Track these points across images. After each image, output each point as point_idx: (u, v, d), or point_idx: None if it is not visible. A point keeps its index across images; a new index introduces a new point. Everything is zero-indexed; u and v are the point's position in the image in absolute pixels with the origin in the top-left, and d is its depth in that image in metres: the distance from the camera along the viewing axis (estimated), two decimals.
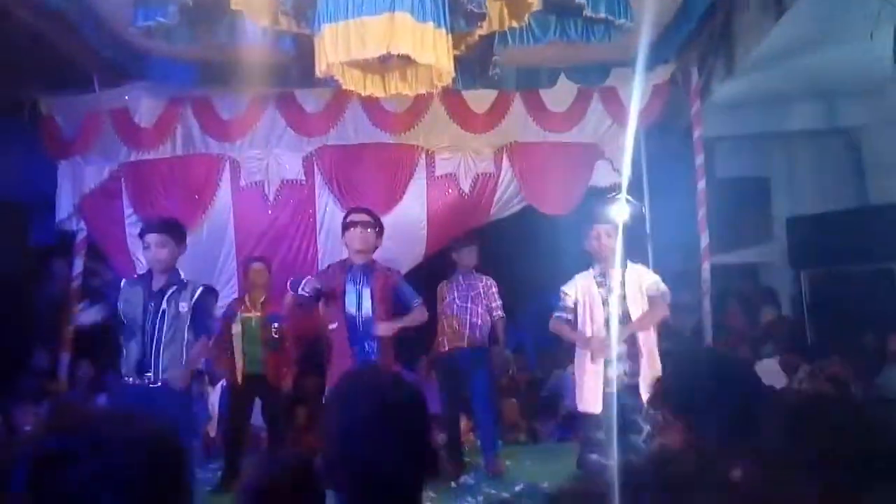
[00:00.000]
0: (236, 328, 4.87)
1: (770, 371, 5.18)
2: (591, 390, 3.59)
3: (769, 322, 7.18)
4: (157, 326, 3.57)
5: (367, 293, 3.92)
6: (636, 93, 5.65)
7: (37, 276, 6.33)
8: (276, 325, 4.88)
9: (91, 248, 6.24)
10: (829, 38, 5.48)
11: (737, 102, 6.67)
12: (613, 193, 6.35)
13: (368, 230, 4.01)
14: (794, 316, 7.44)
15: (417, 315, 4.10)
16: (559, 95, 6.07)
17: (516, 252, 6.68)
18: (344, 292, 3.94)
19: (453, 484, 4.65)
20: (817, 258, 7.16)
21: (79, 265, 6.15)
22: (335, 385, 1.37)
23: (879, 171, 7.20)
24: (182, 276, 3.72)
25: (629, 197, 6.24)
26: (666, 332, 7.09)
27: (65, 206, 6.16)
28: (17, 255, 6.00)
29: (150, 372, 3.57)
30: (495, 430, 5.04)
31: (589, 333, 3.63)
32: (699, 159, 6.09)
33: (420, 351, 6.13)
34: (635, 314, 3.59)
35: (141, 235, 3.82)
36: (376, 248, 4.09)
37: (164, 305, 3.58)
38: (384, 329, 3.94)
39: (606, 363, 3.58)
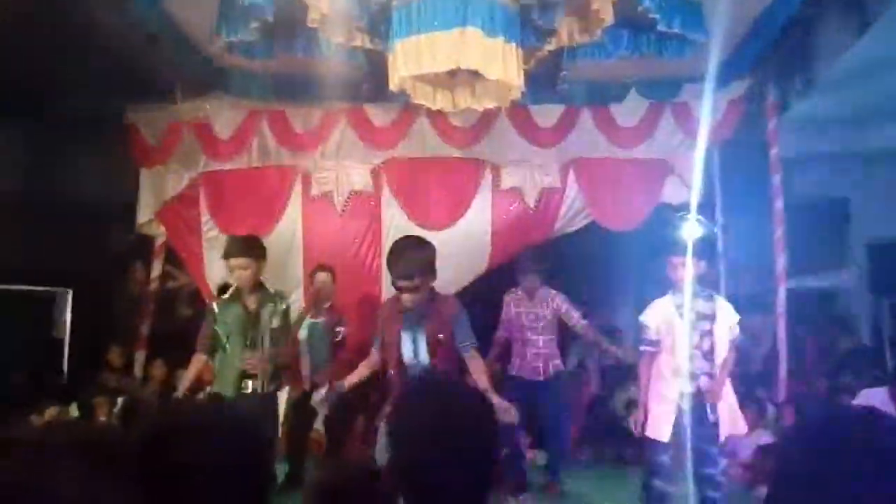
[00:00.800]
0: (302, 333, 4.97)
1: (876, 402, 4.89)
2: (661, 417, 3.49)
3: (846, 350, 6.85)
4: (257, 343, 3.75)
5: (422, 340, 3.51)
6: (707, 108, 5.53)
7: (117, 279, 6.64)
8: (340, 328, 4.97)
9: (169, 252, 6.52)
10: None
11: (816, 120, 6.44)
12: (684, 213, 6.25)
13: (418, 289, 3.44)
14: (873, 345, 7.08)
15: (479, 368, 3.55)
16: (629, 110, 6.00)
17: (578, 268, 6.60)
18: (399, 341, 3.54)
19: (511, 500, 4.61)
20: None
21: (157, 268, 6.43)
22: (404, 392, 1.39)
23: None
24: (271, 290, 3.83)
25: (700, 217, 6.15)
26: (737, 358, 6.92)
27: (145, 212, 6.46)
28: (100, 258, 6.30)
29: (250, 383, 3.72)
30: (563, 456, 4.96)
31: (671, 364, 3.52)
32: (776, 178, 5.90)
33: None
34: (722, 349, 3.48)
35: (224, 258, 3.94)
36: (430, 288, 3.55)
37: (263, 325, 3.76)
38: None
39: (682, 395, 3.48)
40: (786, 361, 5.78)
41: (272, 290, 3.87)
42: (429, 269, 3.52)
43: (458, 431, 1.22)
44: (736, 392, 5.88)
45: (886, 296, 7.07)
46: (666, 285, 3.71)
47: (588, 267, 6.67)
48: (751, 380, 6.55)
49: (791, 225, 6.16)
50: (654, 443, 3.47)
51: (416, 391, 1.37)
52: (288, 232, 6.37)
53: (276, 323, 3.78)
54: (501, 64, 3.90)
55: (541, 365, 4.80)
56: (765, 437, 5.27)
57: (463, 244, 6.04)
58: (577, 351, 7.53)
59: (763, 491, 4.45)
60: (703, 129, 5.61)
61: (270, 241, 6.21)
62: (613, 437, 5.97)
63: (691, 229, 5.96)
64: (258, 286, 3.83)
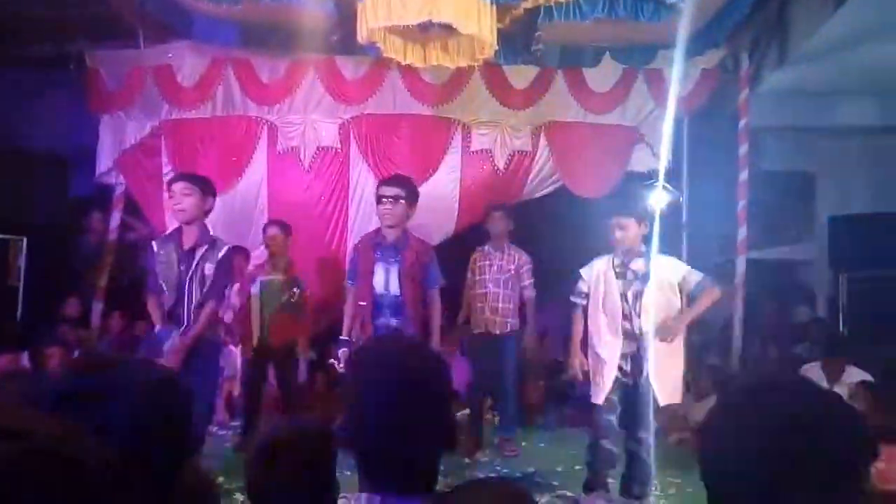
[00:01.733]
0: (255, 290, 4.90)
1: (812, 376, 5.01)
2: (601, 378, 3.52)
3: (803, 323, 7.01)
4: (188, 286, 3.57)
5: (394, 271, 3.78)
6: (678, 75, 5.49)
7: (75, 228, 6.46)
8: (295, 289, 4.91)
9: (129, 202, 6.35)
10: (887, 33, 5.24)
11: (788, 93, 6.45)
12: (651, 180, 6.27)
13: (400, 202, 3.78)
14: (828, 318, 7.24)
15: (437, 310, 3.94)
16: (602, 75, 5.95)
17: (545, 234, 6.60)
18: (373, 271, 3.80)
19: (467, 460, 4.66)
20: (858, 260, 6.92)
21: (116, 218, 6.27)
22: (358, 349, 1.36)
23: None
24: (211, 232, 3.71)
25: (667, 185, 6.17)
26: (696, 326, 7.04)
27: (105, 160, 6.26)
28: (57, 207, 6.13)
29: (182, 328, 3.58)
30: (516, 413, 5.02)
31: (600, 322, 3.54)
32: (743, 149, 5.93)
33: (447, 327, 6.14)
34: (655, 308, 3.48)
35: (168, 186, 3.80)
36: (408, 217, 3.90)
37: (194, 265, 3.57)
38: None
39: (623, 357, 3.50)
40: (741, 331, 5.88)
41: (212, 234, 3.70)
42: (410, 192, 3.85)
43: (410, 388, 1.20)
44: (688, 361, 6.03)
45: (845, 270, 7.20)
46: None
47: (553, 233, 6.67)
48: (707, 348, 6.68)
49: (757, 197, 6.22)
50: (599, 404, 3.52)
51: (372, 349, 1.34)
52: (254, 186, 6.25)
53: (209, 270, 3.56)
54: (475, 20, 3.81)
55: (499, 318, 4.82)
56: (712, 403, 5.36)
57: (431, 204, 5.94)
58: (543, 316, 7.61)
59: None
60: (674, 96, 5.60)
61: (235, 196, 6.19)
62: (574, 401, 6.06)
63: (658, 196, 6.03)
64: (198, 225, 3.62)
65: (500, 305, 4.84)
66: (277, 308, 4.90)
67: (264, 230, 5.28)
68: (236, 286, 5.59)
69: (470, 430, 4.96)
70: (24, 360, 4.72)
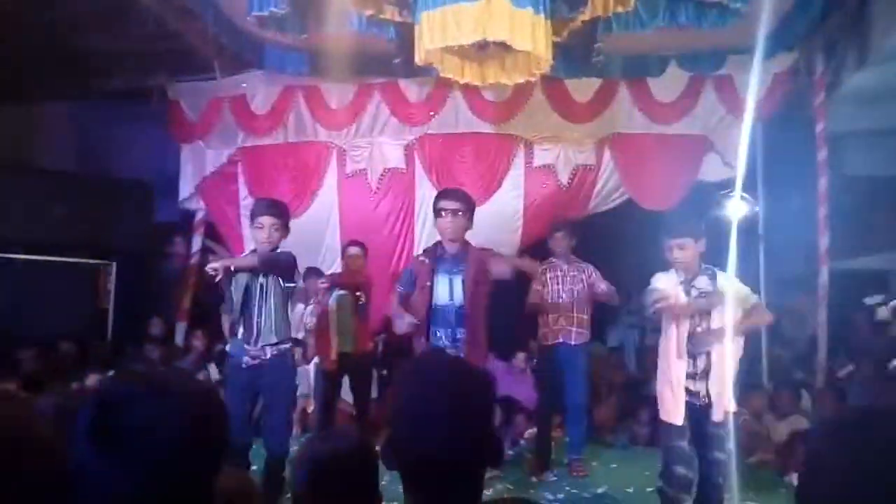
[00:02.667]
0: (332, 305, 5.02)
1: None
2: (671, 399, 3.39)
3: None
4: (259, 303, 3.69)
5: (458, 281, 3.70)
6: (753, 82, 5.31)
7: (160, 253, 6.84)
8: (359, 293, 5.01)
9: (209, 226, 6.67)
10: None
11: (870, 95, 6.11)
12: (726, 190, 6.06)
13: (459, 215, 3.71)
14: None
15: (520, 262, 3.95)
16: (668, 84, 5.82)
17: (618, 247, 6.48)
18: (434, 283, 3.74)
19: (535, 479, 4.60)
20: None
21: (197, 242, 6.60)
22: (403, 366, 1.38)
23: None
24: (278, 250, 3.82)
25: (744, 194, 5.94)
26: (780, 340, 6.73)
27: (187, 187, 6.64)
28: (143, 232, 6.50)
29: (256, 345, 3.70)
30: (584, 431, 4.91)
31: (669, 340, 3.42)
32: (821, 154, 5.66)
33: (516, 343, 6.11)
34: (728, 327, 3.34)
35: (252, 216, 3.95)
36: (467, 229, 3.81)
37: (261, 280, 3.68)
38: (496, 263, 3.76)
39: (689, 376, 3.37)
40: (825, 346, 5.58)
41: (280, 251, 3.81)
42: (468, 202, 3.81)
43: (451, 405, 1.21)
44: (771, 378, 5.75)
45: None
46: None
47: (626, 246, 6.53)
48: (790, 363, 6.37)
49: (842, 204, 5.91)
50: (669, 426, 3.38)
51: (416, 365, 1.35)
52: (325, 209, 6.45)
53: (279, 291, 3.70)
54: (530, 35, 3.81)
55: (574, 329, 4.73)
56: (799, 423, 5.10)
57: (494, 222, 5.97)
58: (616, 332, 7.45)
59: (794, 478, 4.33)
60: (750, 104, 5.42)
61: (308, 218, 6.40)
62: (648, 419, 5.88)
63: (736, 207, 5.82)
64: (276, 249, 3.76)
65: (575, 315, 4.74)
66: (351, 318, 5.02)
67: (344, 249, 5.42)
68: (310, 306, 5.76)
69: (538, 449, 4.88)
70: None
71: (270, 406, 3.79)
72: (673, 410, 3.37)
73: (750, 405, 5.26)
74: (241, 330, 3.76)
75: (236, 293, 3.72)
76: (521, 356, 6.11)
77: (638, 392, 6.35)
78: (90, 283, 6.33)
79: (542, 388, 4.98)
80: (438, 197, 3.89)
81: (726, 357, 3.32)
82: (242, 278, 3.72)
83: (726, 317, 3.34)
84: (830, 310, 5.73)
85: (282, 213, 3.84)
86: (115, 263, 6.33)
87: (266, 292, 3.73)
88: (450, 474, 1.20)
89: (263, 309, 3.72)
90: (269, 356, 3.71)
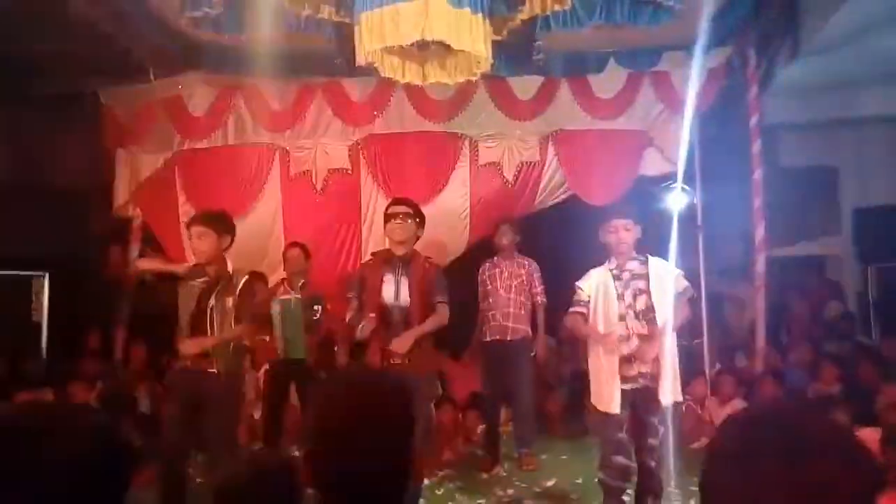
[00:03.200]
0: (274, 309, 4.93)
1: None
2: (606, 389, 3.44)
3: (833, 318, 6.83)
4: (210, 320, 3.63)
5: (405, 283, 3.84)
6: (690, 77, 5.43)
7: (96, 263, 6.59)
8: (317, 307, 4.94)
9: (146, 234, 6.46)
10: None
11: (803, 87, 6.33)
12: (667, 183, 6.19)
13: (409, 221, 3.90)
14: (859, 312, 7.05)
15: (437, 318, 3.87)
16: (608, 81, 5.90)
17: (566, 240, 6.54)
18: (382, 283, 3.88)
19: (485, 475, 4.62)
20: (886, 252, 6.75)
21: (134, 251, 6.38)
22: (316, 384, 1.36)
23: None
24: (230, 268, 3.74)
25: (685, 186, 6.08)
26: (720, 327, 6.91)
27: (122, 194, 6.40)
28: (77, 242, 6.25)
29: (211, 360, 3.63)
30: (532, 424, 4.96)
31: (602, 329, 3.47)
32: (755, 147, 5.81)
33: (465, 340, 6.11)
34: (661, 309, 3.41)
35: (186, 227, 3.89)
36: (417, 238, 3.99)
37: (212, 301, 3.62)
38: (398, 345, 3.76)
39: (622, 362, 3.42)
40: (764, 332, 5.76)
41: (230, 269, 3.74)
42: (418, 211, 4.00)
43: (374, 420, 1.19)
44: (712, 362, 5.90)
45: (873, 262, 7.02)
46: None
47: (573, 239, 6.60)
48: (732, 350, 6.55)
49: (779, 193, 6.10)
50: (605, 417, 3.44)
51: (329, 383, 1.33)
52: (269, 212, 6.33)
53: (229, 304, 3.63)
54: (468, 35, 3.81)
55: (511, 325, 4.78)
56: (739, 406, 5.24)
57: (442, 221, 5.97)
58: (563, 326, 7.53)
59: None
60: (691, 97, 5.53)
61: (251, 222, 6.26)
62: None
63: (676, 199, 5.95)
64: (218, 261, 3.71)
65: (512, 311, 4.81)
66: (300, 327, 4.92)
67: (285, 252, 5.33)
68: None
69: (486, 445, 4.91)
70: (48, 395, 4.79)
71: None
72: (607, 400, 3.43)
73: (692, 391, 5.39)
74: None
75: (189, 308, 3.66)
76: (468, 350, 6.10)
77: (587, 383, 6.44)
78: (22, 297, 6.06)
79: (488, 385, 5.01)
80: (391, 203, 4.08)
81: (659, 340, 3.38)
82: (195, 293, 3.65)
83: (657, 298, 3.41)
84: (769, 296, 5.90)
85: (213, 220, 3.79)
86: (47, 275, 6.07)
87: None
88: (365, 493, 1.18)
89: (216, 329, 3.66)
90: None
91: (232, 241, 3.83)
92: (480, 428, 5.30)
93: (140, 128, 6.30)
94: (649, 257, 3.53)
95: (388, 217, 4.00)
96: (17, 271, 5.99)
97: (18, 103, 6.26)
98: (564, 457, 4.96)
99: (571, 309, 3.63)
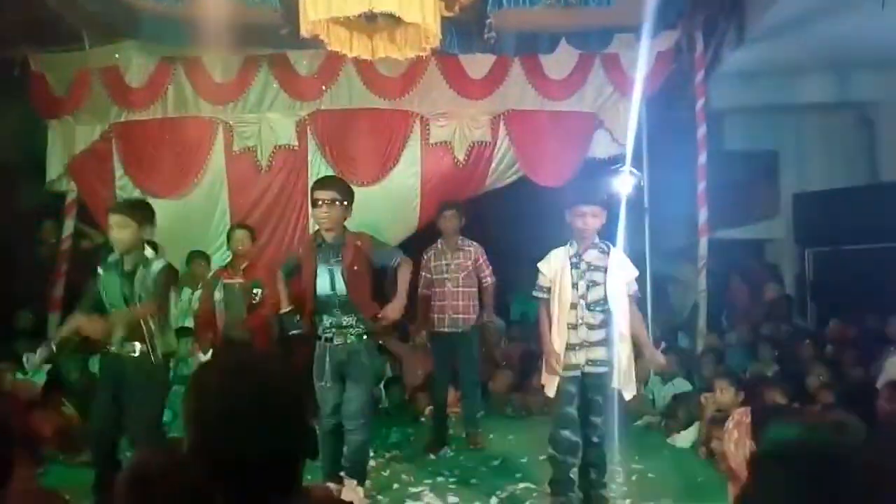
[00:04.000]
0: (218, 294, 4.81)
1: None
2: (551, 369, 3.47)
3: (771, 300, 7.04)
4: (134, 306, 3.53)
5: (337, 272, 3.67)
6: (639, 59, 5.46)
7: (28, 239, 6.29)
8: (256, 290, 4.82)
9: (81, 209, 6.19)
10: (843, 7, 5.23)
11: (747, 72, 6.45)
12: (616, 165, 6.23)
13: (336, 205, 3.64)
14: (796, 294, 7.29)
15: (404, 274, 3.77)
16: (559, 62, 5.89)
17: (518, 219, 6.56)
18: (315, 273, 3.71)
19: (432, 456, 4.61)
20: (824, 236, 6.98)
21: (69, 227, 6.12)
22: (201, 366, 1.31)
23: (892, 147, 6.98)
24: (148, 254, 3.62)
25: (633, 169, 6.14)
26: (665, 307, 7.05)
27: (55, 167, 6.12)
28: (8, 217, 5.93)
29: (132, 345, 3.53)
30: (478, 403, 4.98)
31: (557, 316, 3.48)
32: (701, 130, 5.92)
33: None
34: (614, 303, 3.43)
35: (106, 215, 3.73)
36: (346, 218, 3.77)
37: (136, 288, 3.53)
38: (390, 311, 3.68)
39: (570, 347, 3.45)
40: (706, 312, 5.89)
41: (149, 255, 3.63)
42: (345, 192, 3.74)
43: (256, 402, 1.15)
44: (657, 342, 6.02)
45: (811, 246, 7.25)
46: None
47: (526, 218, 6.61)
48: (675, 331, 6.70)
49: (722, 177, 6.21)
50: (557, 393, 3.46)
51: (215, 364, 1.28)
52: (213, 188, 6.14)
53: (149, 285, 3.52)
54: (419, 8, 3.72)
55: (460, 316, 4.75)
56: (682, 386, 5.37)
57: (392, 200, 5.93)
58: (517, 305, 7.56)
59: (677, 439, 4.53)
60: (639, 80, 5.56)
61: (194, 198, 6.08)
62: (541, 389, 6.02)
63: (624, 181, 6.00)
64: (136, 249, 3.58)
65: (461, 303, 4.76)
66: (243, 311, 4.81)
67: (229, 233, 5.16)
68: (197, 291, 5.49)
69: (433, 426, 4.90)
70: None
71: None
72: (551, 382, 3.46)
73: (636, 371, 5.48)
74: None
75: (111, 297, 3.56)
76: (419, 336, 6.07)
77: (533, 362, 6.50)
78: None
79: (435, 369, 4.99)
80: (315, 186, 3.82)
81: (611, 327, 3.41)
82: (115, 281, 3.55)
83: (610, 292, 3.43)
84: (710, 278, 6.04)
85: (132, 209, 3.65)
86: None
87: None
88: (259, 473, 1.14)
89: None
90: None
91: (152, 232, 3.72)
92: (429, 409, 5.29)
93: (74, 97, 6.01)
94: (611, 248, 3.52)
95: (313, 202, 3.77)
96: None
97: None
98: (511, 437, 4.99)
99: (535, 293, 3.63)
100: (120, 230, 3.51)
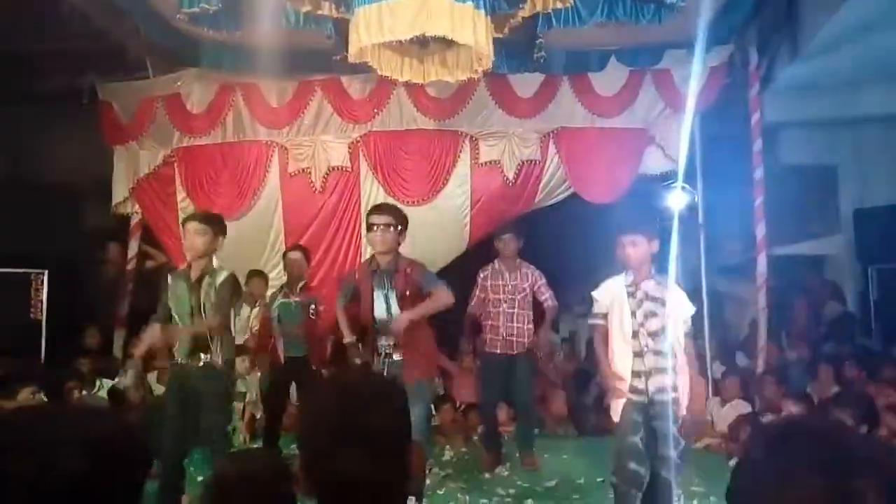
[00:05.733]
0: (274, 313, 4.92)
1: None
2: (617, 396, 3.42)
3: (833, 318, 6.81)
4: (200, 315, 3.67)
5: (393, 295, 3.84)
6: (692, 75, 5.42)
7: (94, 259, 6.56)
8: (313, 307, 4.92)
9: (145, 231, 6.44)
10: None
11: (803, 86, 6.30)
12: (668, 181, 6.16)
13: (390, 230, 3.80)
14: (859, 313, 7.04)
15: (437, 299, 3.79)
16: (609, 78, 5.87)
17: (573, 238, 6.53)
18: (373, 298, 3.89)
19: (487, 475, 4.59)
20: (886, 252, 6.73)
21: (133, 248, 6.36)
22: (310, 388, 1.34)
23: None
24: (215, 264, 3.75)
25: (685, 185, 6.06)
26: (721, 325, 6.90)
27: (120, 191, 6.38)
28: (75, 239, 6.21)
29: (201, 355, 3.68)
30: (532, 422, 4.95)
31: (619, 341, 3.44)
32: (756, 145, 5.81)
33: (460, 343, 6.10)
34: (672, 338, 3.37)
35: (182, 224, 3.90)
36: (399, 243, 3.91)
37: (202, 297, 3.68)
38: (395, 325, 3.75)
39: (636, 375, 3.39)
40: (766, 331, 5.73)
41: (215, 265, 3.76)
42: (400, 218, 3.89)
43: (368, 423, 1.16)
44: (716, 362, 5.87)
45: (873, 263, 7.00)
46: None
47: (580, 237, 6.58)
48: (734, 349, 6.53)
49: (779, 193, 6.08)
50: (622, 422, 3.40)
51: (326, 384, 1.31)
52: (268, 209, 6.31)
53: (213, 295, 3.66)
54: (471, 30, 3.77)
55: (515, 339, 4.74)
56: (743, 407, 5.23)
57: (442, 219, 5.97)
58: (568, 323, 7.51)
59: None
60: (692, 96, 5.52)
61: (251, 219, 6.25)
62: (598, 410, 5.95)
63: (677, 198, 5.92)
64: (205, 258, 3.72)
65: (516, 325, 4.74)
66: (302, 329, 4.91)
67: (285, 254, 5.28)
68: (256, 309, 5.62)
69: (487, 445, 4.88)
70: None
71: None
72: (615, 404, 3.41)
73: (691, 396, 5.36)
74: None
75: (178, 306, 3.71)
76: (469, 357, 6.10)
77: (588, 382, 6.43)
78: (21, 294, 6.02)
79: (485, 389, 4.97)
80: (370, 212, 4.01)
81: (669, 357, 3.35)
82: (183, 289, 3.70)
83: (670, 320, 3.38)
84: (770, 296, 5.89)
85: (210, 219, 3.83)
86: (46, 272, 6.03)
87: None
88: (363, 495, 1.15)
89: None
90: None
91: (222, 243, 3.87)
92: (481, 428, 5.28)
93: (139, 124, 6.27)
94: (670, 283, 3.46)
95: (368, 227, 3.95)
96: (16, 269, 5.95)
97: (16, 100, 6.24)
98: (565, 457, 4.94)
99: (591, 320, 3.62)
100: (196, 236, 3.67)
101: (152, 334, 3.87)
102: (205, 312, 3.65)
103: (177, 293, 3.74)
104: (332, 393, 1.23)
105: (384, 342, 3.82)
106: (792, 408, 4.22)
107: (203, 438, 3.65)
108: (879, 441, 1.02)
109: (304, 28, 4.92)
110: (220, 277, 3.69)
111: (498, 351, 4.76)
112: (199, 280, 3.69)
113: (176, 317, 3.74)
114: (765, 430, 0.98)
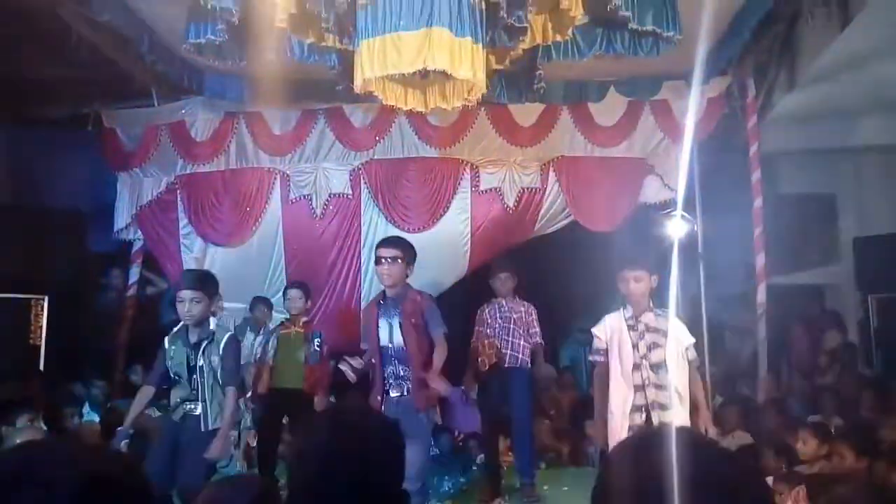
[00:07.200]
0: (272, 343, 4.92)
1: None
2: (617, 430, 3.42)
3: (833, 348, 6.79)
4: (199, 380, 3.67)
5: (396, 324, 3.89)
6: (689, 106, 5.48)
7: (95, 285, 6.58)
8: (318, 339, 4.91)
9: (147, 257, 6.46)
10: None
11: (801, 116, 6.37)
12: (667, 210, 6.19)
13: (397, 263, 3.88)
14: (860, 342, 7.02)
15: (441, 353, 3.87)
16: (608, 108, 5.95)
17: (573, 267, 6.54)
18: (378, 326, 3.94)
19: None
20: (886, 281, 6.74)
21: (135, 274, 6.38)
22: (308, 421, 1.36)
23: None
24: (212, 327, 3.75)
25: (685, 213, 6.08)
26: (722, 356, 6.87)
27: (123, 217, 6.43)
28: (77, 265, 6.24)
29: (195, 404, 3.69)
30: (532, 453, 4.91)
31: (617, 377, 3.46)
32: (755, 175, 5.85)
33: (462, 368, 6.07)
34: (673, 369, 3.39)
35: (177, 289, 3.88)
36: (407, 276, 3.97)
37: (200, 361, 3.67)
38: (441, 387, 3.80)
39: (635, 409, 3.39)
40: (766, 360, 5.72)
41: (213, 327, 3.76)
42: (408, 250, 3.96)
43: (360, 460, 1.17)
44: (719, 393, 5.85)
45: (873, 291, 7.01)
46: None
47: (581, 265, 6.59)
48: (735, 379, 6.51)
49: (778, 222, 6.11)
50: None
51: (320, 419, 1.32)
52: (270, 236, 6.33)
53: (215, 362, 3.66)
54: (470, 64, 3.83)
55: (509, 353, 4.75)
56: (744, 439, 5.19)
57: (442, 246, 5.99)
58: (568, 351, 7.49)
59: None
60: (689, 126, 5.57)
61: (253, 245, 6.28)
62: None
63: (676, 226, 5.94)
64: (203, 321, 3.73)
65: (511, 340, 4.76)
66: (302, 360, 4.89)
67: (285, 292, 5.27)
68: (260, 336, 5.60)
69: (486, 476, 4.85)
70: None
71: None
72: (615, 439, 3.40)
73: (694, 421, 5.33)
74: None
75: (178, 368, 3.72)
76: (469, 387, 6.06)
77: (588, 411, 6.39)
78: (21, 319, 6.03)
79: (484, 415, 4.96)
80: (378, 245, 4.10)
81: (670, 390, 3.36)
82: (182, 352, 3.70)
83: (673, 357, 3.39)
84: (770, 325, 5.89)
85: (204, 283, 3.78)
86: (47, 297, 6.05)
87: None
88: None
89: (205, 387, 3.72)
90: None
91: (220, 303, 3.92)
92: (480, 457, 5.25)
93: (143, 151, 6.34)
94: (670, 316, 3.50)
95: (377, 259, 4.00)
96: (16, 294, 5.97)
97: (20, 125, 6.31)
98: (565, 487, 4.90)
99: (592, 357, 3.65)
100: (193, 305, 3.64)
101: (141, 402, 3.76)
102: (205, 378, 3.66)
103: (174, 356, 3.72)
104: (322, 427, 1.25)
105: (386, 371, 3.82)
106: (807, 437, 4.15)
107: (186, 482, 3.57)
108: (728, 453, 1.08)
109: (308, 59, 4.99)
110: (221, 338, 3.69)
111: (488, 367, 4.75)
112: (198, 343, 3.69)
113: (174, 378, 3.74)
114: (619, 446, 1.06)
